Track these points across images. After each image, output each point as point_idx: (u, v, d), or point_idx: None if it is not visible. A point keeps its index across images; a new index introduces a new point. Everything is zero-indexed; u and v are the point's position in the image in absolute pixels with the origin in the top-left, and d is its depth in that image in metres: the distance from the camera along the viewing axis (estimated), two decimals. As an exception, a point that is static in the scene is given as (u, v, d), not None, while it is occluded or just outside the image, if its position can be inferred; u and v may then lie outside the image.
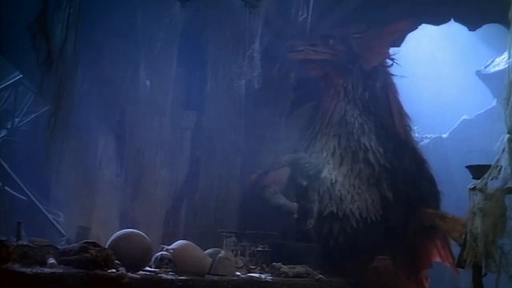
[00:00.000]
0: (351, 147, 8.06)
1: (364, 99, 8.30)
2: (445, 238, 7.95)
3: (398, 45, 9.02)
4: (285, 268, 6.61)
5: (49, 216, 10.06)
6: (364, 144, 8.05)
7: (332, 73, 8.36)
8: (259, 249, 6.94)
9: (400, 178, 7.99)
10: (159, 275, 5.37)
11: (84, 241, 5.26)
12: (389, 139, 8.20)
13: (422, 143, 10.27)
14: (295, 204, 7.41)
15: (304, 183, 7.66)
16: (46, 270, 4.63)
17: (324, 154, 8.04)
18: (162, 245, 5.85)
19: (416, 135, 9.19)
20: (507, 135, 5.52)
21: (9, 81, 11.33)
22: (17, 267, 4.55)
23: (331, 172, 7.92)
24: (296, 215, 7.50)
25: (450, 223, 7.61)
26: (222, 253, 6.17)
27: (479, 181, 5.90)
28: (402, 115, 8.51)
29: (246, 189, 8.12)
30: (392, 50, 8.75)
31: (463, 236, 7.24)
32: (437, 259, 8.02)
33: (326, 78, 8.43)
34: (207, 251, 6.12)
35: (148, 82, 8.01)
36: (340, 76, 8.33)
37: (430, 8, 8.93)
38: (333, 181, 7.85)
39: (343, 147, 8.07)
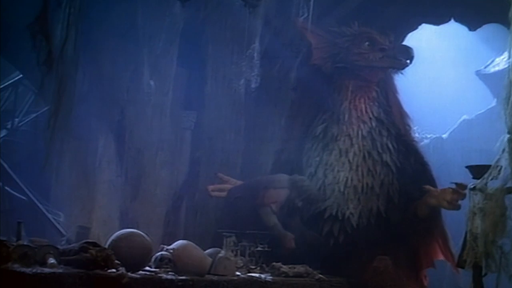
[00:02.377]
0: (376, 148, 7.99)
1: (382, 102, 8.26)
2: (445, 235, 7.95)
3: (398, 45, 9.01)
4: (285, 268, 6.61)
5: (49, 216, 10.06)
6: (388, 146, 8.00)
7: (365, 74, 8.21)
8: (259, 249, 6.94)
9: (406, 179, 7.98)
10: (159, 275, 5.37)
11: (84, 241, 5.27)
12: (400, 141, 8.18)
13: (422, 143, 10.26)
14: (289, 234, 7.34)
15: (300, 204, 7.64)
16: (46, 270, 4.63)
17: (344, 157, 7.95)
18: (162, 245, 5.86)
19: (416, 135, 9.18)
20: (507, 135, 5.53)
21: (9, 81, 11.34)
22: (17, 267, 4.55)
23: (347, 175, 7.87)
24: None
25: (438, 194, 7.60)
26: (222, 253, 6.17)
27: (479, 181, 5.90)
28: (402, 114, 8.49)
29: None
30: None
31: (451, 204, 7.31)
32: (440, 257, 8.01)
33: (357, 80, 8.23)
34: (207, 251, 6.13)
35: (152, 82, 8.01)
36: (373, 77, 8.21)
37: (430, 8, 8.93)
38: (349, 184, 7.82)
39: (367, 148, 7.99)
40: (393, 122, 8.25)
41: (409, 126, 8.51)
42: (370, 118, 8.13)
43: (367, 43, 8.14)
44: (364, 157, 7.96)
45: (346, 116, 8.14)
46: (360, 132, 8.06)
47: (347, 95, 8.21)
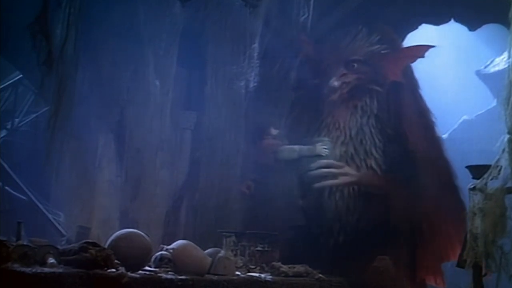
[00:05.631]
0: (359, 156, 7.97)
1: (376, 110, 8.23)
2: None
3: (398, 46, 9.01)
4: (284, 267, 6.61)
5: (49, 216, 10.07)
6: (372, 153, 7.98)
7: (355, 93, 8.20)
8: (258, 249, 6.95)
9: (403, 183, 7.96)
10: (159, 274, 5.37)
11: (84, 241, 5.27)
12: (395, 146, 8.15)
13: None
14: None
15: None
16: (46, 270, 4.64)
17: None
18: (162, 245, 5.86)
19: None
20: (507, 135, 5.52)
21: (9, 81, 11.35)
22: (17, 267, 4.56)
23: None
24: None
25: None
26: (222, 253, 6.18)
27: (479, 181, 5.89)
28: (422, 111, 8.41)
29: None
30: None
31: None
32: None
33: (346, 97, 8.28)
34: (207, 251, 6.13)
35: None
36: (360, 95, 8.18)
37: (430, 8, 8.93)
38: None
39: (349, 155, 7.97)
40: (383, 129, 8.20)
41: (432, 121, 8.48)
42: (356, 131, 8.09)
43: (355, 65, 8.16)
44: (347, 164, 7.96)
45: (328, 122, 8.15)
46: (340, 139, 8.04)
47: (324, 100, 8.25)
